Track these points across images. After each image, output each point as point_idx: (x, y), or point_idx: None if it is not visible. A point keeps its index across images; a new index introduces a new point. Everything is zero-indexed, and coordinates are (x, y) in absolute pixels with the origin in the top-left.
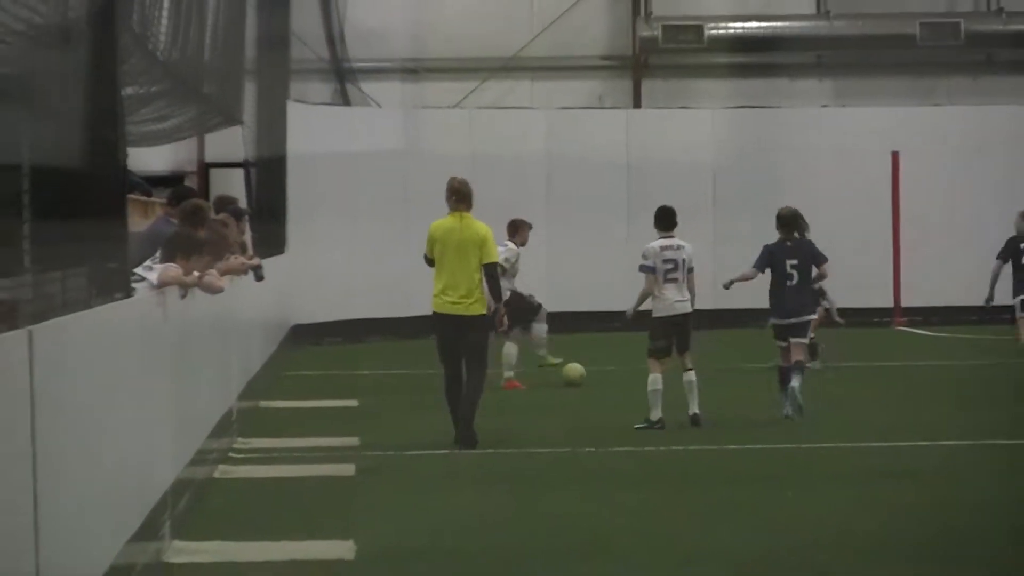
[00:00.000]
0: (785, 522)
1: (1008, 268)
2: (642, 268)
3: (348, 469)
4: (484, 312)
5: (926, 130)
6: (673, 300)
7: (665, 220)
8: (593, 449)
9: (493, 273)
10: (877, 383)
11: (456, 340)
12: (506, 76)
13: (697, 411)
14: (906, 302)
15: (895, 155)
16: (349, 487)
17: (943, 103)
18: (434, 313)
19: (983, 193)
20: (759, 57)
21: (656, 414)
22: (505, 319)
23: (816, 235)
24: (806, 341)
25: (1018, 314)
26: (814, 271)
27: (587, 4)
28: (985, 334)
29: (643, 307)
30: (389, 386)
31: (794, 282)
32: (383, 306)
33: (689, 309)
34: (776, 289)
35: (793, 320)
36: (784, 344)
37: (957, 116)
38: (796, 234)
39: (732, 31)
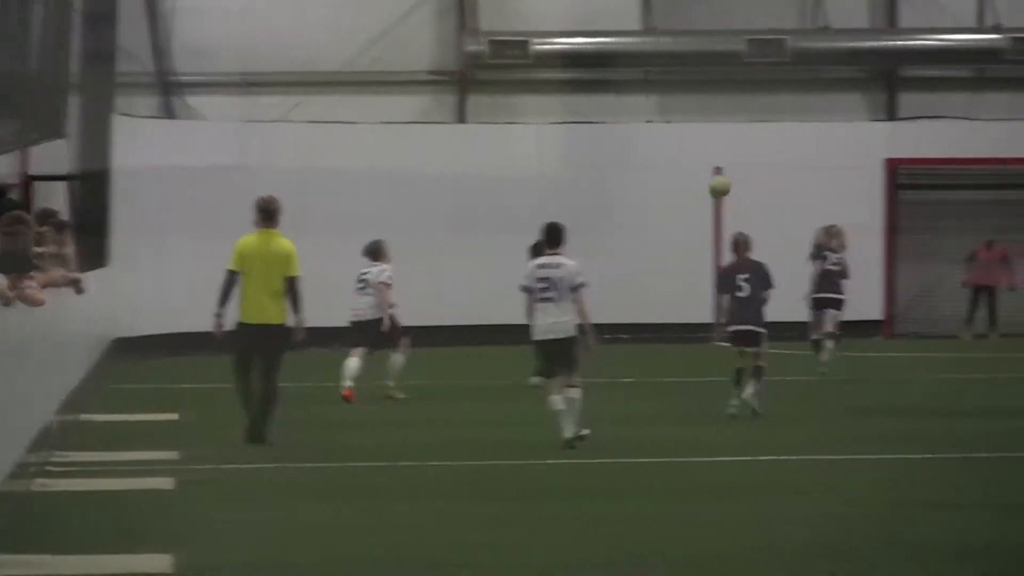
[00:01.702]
0: (630, 535)
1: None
2: (521, 288)
3: (167, 483)
4: (284, 322)
5: (751, 146)
6: (549, 321)
7: (548, 238)
8: (415, 463)
9: (296, 287)
10: (697, 399)
11: (255, 348)
12: (333, 90)
13: (573, 434)
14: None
15: (718, 171)
16: (168, 501)
17: (768, 119)
18: (239, 323)
19: (807, 210)
20: (585, 73)
21: (569, 431)
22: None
23: (640, 250)
24: (762, 351)
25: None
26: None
27: (414, 19)
28: (805, 350)
29: None
30: (211, 400)
31: (744, 294)
32: (206, 320)
33: (570, 331)
34: (730, 301)
35: (744, 328)
36: (739, 349)
37: (782, 132)
38: (747, 254)
39: (558, 47)
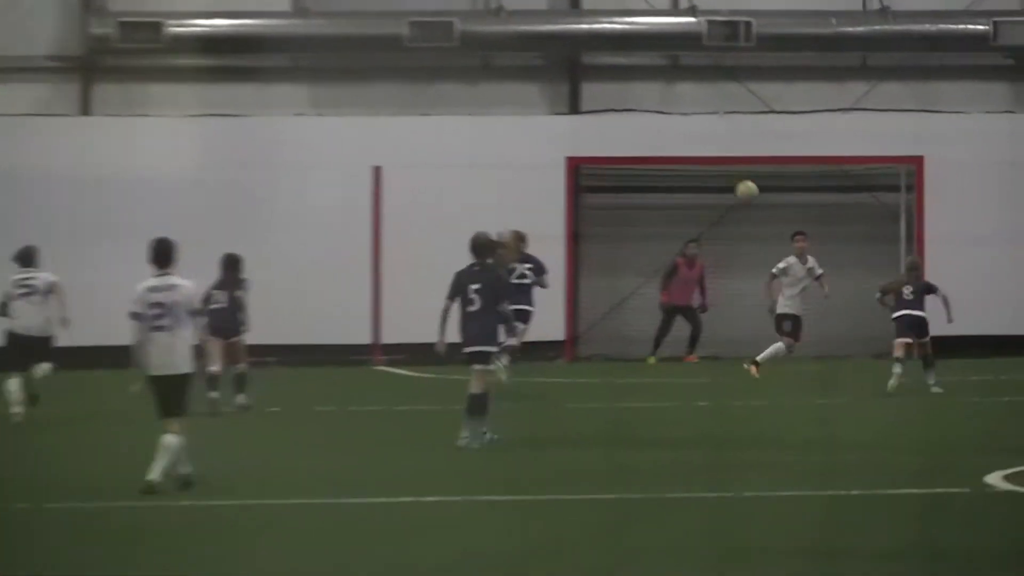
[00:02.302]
0: None
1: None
2: (130, 315)
3: None
4: None
5: (415, 143)
6: (163, 355)
7: (156, 256)
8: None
9: None
10: (346, 429)
11: None
12: None
13: (155, 478)
14: (388, 338)
15: (377, 170)
16: None
17: (435, 112)
18: None
19: (479, 215)
20: (227, 59)
21: (183, 468)
22: None
23: (290, 261)
24: (491, 369)
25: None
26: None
27: None
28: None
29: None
30: None
31: (476, 307)
32: None
33: (187, 366)
34: (461, 314)
35: (473, 348)
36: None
37: (450, 127)
38: (488, 260)
39: (196, 30)
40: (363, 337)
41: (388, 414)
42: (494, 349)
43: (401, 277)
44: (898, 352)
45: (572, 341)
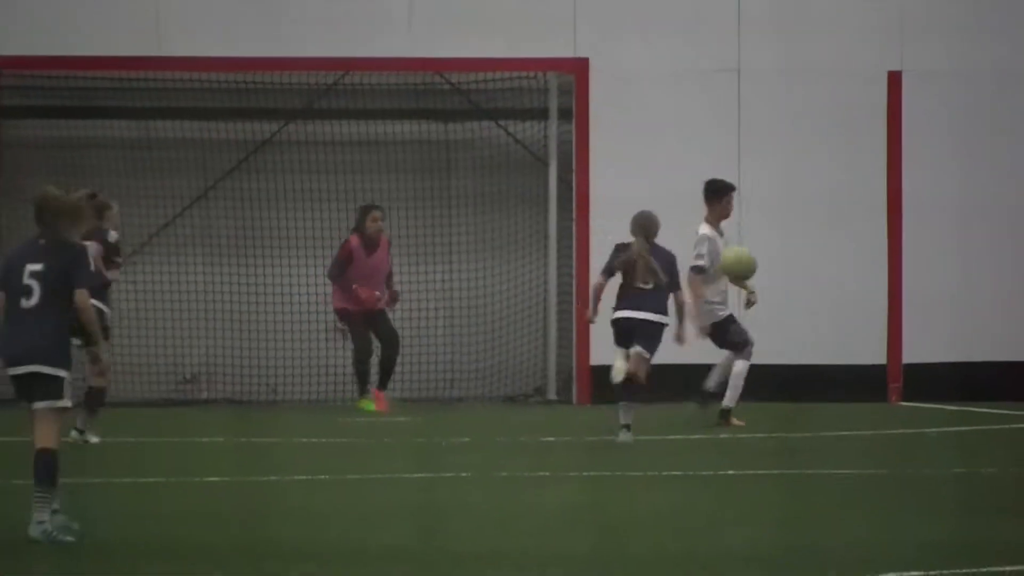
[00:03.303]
0: None
1: None
2: None
3: None
4: None
5: None
6: None
7: None
8: None
9: None
10: None
11: None
12: None
13: None
14: None
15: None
16: None
17: None
18: None
19: None
20: None
21: None
22: None
23: None
24: (61, 405)
25: None
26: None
27: None
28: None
29: None
30: None
31: (33, 301)
32: None
33: None
34: (8, 314)
35: (24, 370)
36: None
37: None
38: (62, 230)
39: None
40: None
41: None
42: (62, 373)
43: None
44: (617, 375)
45: None
